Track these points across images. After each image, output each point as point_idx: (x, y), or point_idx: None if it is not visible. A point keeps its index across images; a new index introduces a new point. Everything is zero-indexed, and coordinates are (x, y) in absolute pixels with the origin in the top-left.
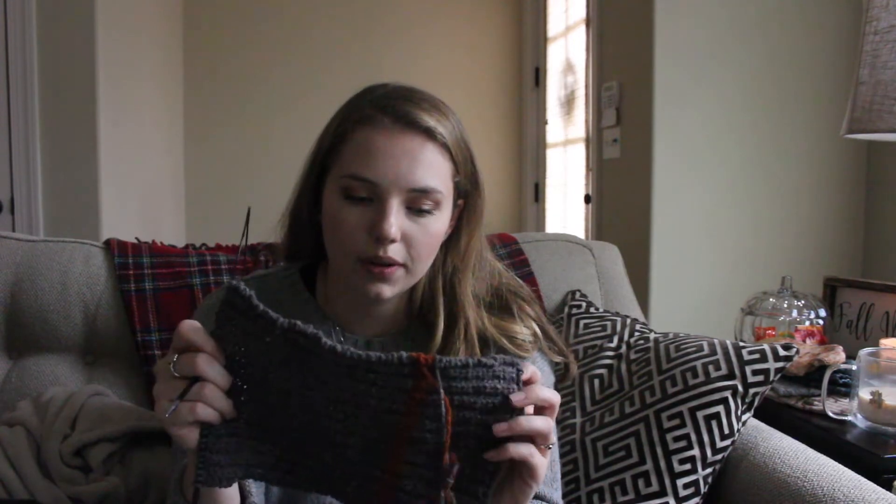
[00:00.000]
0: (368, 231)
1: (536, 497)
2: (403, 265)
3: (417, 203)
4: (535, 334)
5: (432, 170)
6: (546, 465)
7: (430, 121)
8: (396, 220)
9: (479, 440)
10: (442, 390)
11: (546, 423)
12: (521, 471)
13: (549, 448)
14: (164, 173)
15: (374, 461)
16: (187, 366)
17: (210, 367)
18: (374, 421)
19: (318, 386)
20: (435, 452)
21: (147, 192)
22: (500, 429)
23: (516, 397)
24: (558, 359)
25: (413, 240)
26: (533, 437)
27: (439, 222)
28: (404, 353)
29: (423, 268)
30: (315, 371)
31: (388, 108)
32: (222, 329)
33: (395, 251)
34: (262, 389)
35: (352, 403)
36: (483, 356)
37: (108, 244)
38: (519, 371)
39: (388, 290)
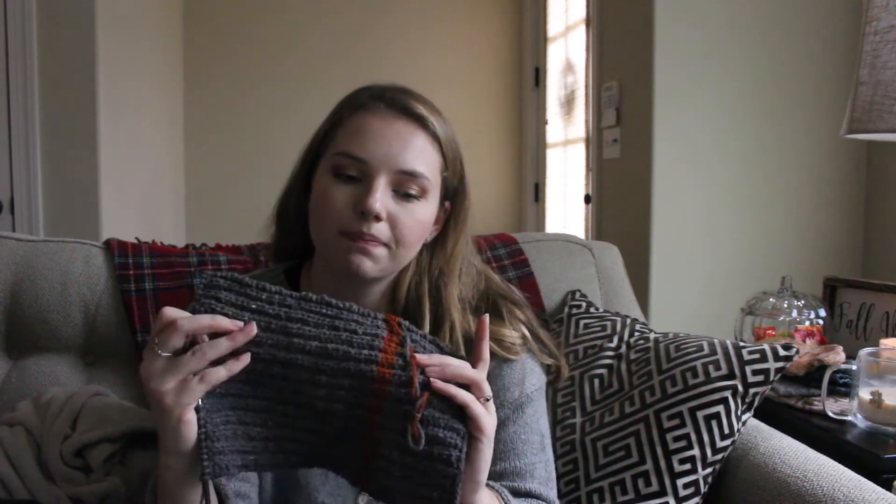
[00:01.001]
0: (354, 207)
1: (532, 496)
2: (387, 245)
3: (404, 186)
4: (523, 337)
5: (422, 156)
6: (492, 422)
7: (424, 110)
8: (382, 198)
9: (444, 407)
10: (409, 340)
11: (476, 374)
12: (469, 426)
13: (488, 401)
14: (164, 173)
15: (355, 428)
16: (172, 336)
17: (194, 319)
18: (353, 380)
19: (300, 348)
20: (407, 416)
21: (147, 192)
22: (433, 371)
23: (429, 358)
24: (549, 361)
25: (398, 221)
26: (469, 387)
27: (425, 210)
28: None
29: (406, 255)
30: (299, 330)
31: (384, 97)
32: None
33: (379, 230)
34: (246, 367)
35: (333, 358)
36: (440, 342)
37: (108, 244)
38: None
39: (369, 265)
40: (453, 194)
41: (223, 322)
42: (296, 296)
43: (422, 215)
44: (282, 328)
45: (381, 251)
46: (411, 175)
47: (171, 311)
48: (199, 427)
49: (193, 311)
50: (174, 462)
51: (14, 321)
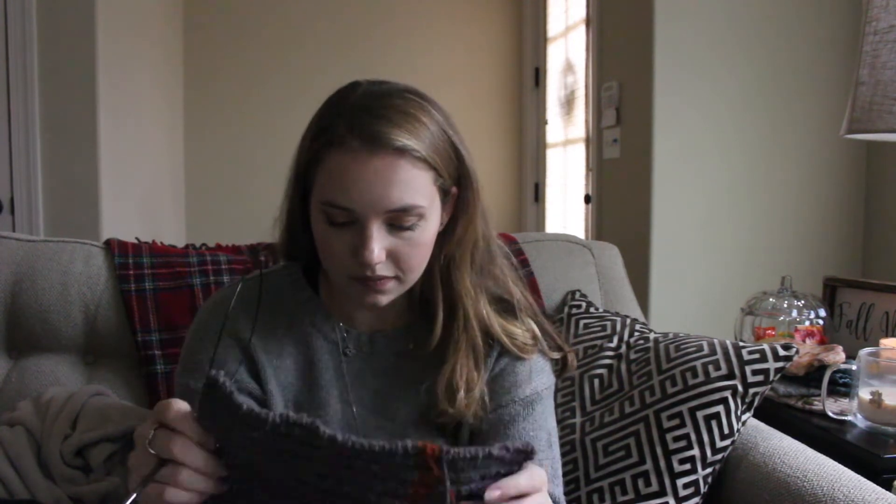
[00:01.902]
0: (354, 255)
1: None
2: (396, 278)
3: (399, 220)
4: (534, 336)
5: (409, 187)
6: None
7: (401, 138)
8: (378, 244)
9: None
10: (448, 481)
11: (529, 481)
12: None
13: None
14: (164, 173)
15: None
16: (162, 447)
17: (187, 452)
18: None
19: (313, 480)
20: None
21: (147, 191)
22: (493, 496)
23: (490, 495)
24: (556, 355)
25: (400, 254)
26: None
27: (426, 232)
28: (409, 443)
29: (415, 276)
30: (310, 463)
31: (356, 128)
32: (205, 421)
33: (383, 269)
34: (251, 481)
35: (350, 497)
36: (494, 447)
37: (109, 244)
38: (525, 453)
39: (383, 299)
40: (457, 183)
41: (213, 485)
42: (306, 424)
43: (422, 238)
44: (292, 457)
45: (391, 285)
46: (402, 211)
47: (177, 414)
48: None
49: (198, 420)
50: None
51: (14, 321)
